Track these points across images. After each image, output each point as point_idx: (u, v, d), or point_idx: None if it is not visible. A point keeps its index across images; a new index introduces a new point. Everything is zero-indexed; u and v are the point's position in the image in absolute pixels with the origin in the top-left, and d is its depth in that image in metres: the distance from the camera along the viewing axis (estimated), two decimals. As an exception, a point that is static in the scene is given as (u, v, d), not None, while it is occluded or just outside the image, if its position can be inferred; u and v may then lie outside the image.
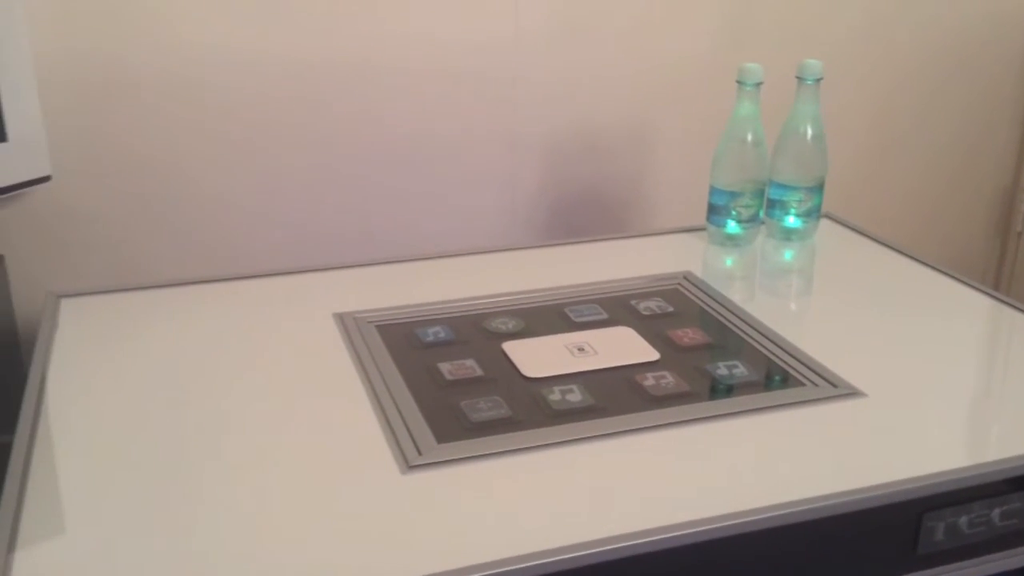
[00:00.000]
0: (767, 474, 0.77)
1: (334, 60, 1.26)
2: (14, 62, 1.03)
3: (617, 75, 1.41)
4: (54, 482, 0.74)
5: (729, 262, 1.19)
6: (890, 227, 1.47)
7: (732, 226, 1.19)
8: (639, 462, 0.78)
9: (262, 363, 0.92)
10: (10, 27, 1.02)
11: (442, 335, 0.98)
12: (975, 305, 1.07)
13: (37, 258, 1.22)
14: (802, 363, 0.92)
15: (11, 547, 0.67)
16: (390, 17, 1.27)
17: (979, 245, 1.76)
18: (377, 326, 0.99)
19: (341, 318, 1.00)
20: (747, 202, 1.18)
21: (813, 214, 1.21)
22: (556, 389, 0.87)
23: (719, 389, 0.89)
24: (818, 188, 1.20)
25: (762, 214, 1.21)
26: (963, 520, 0.77)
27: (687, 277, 1.12)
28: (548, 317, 1.02)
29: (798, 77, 1.17)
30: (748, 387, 0.89)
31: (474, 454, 0.78)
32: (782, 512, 0.71)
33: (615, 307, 1.04)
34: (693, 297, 1.07)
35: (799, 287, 1.17)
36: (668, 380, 0.89)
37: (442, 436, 0.80)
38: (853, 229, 1.27)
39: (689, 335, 0.98)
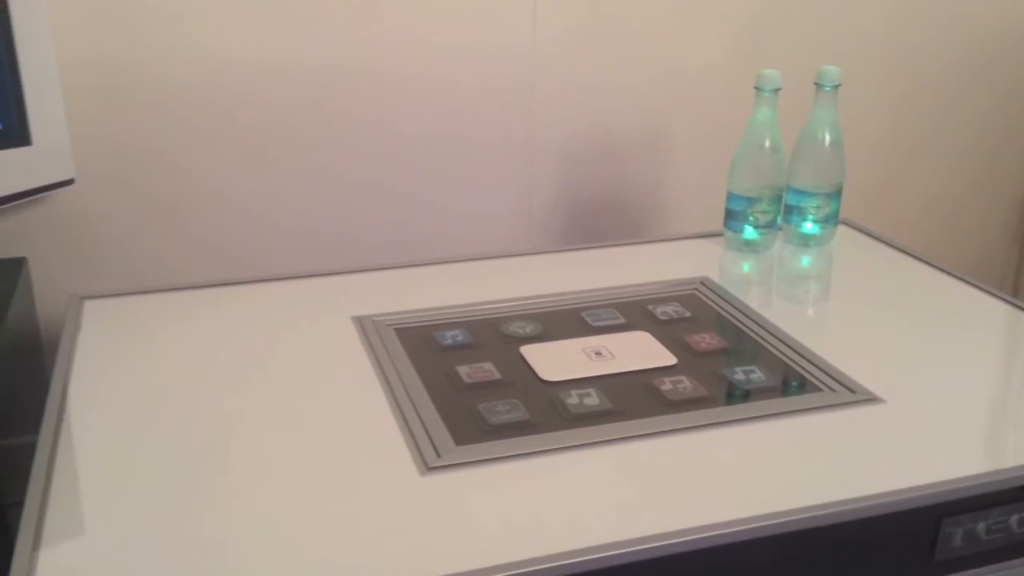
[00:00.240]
0: (784, 479, 0.77)
1: (352, 68, 1.27)
2: (40, 69, 1.04)
3: (634, 81, 1.41)
4: (76, 482, 0.75)
5: (746, 268, 1.19)
6: (908, 233, 1.47)
7: (749, 232, 1.19)
8: (656, 465, 0.78)
9: (282, 365, 0.93)
10: (36, 36, 1.03)
11: (460, 338, 0.98)
12: (993, 311, 1.07)
13: (58, 260, 1.23)
14: (819, 368, 0.92)
15: (35, 546, 0.67)
16: (408, 25, 1.28)
17: (997, 251, 1.76)
18: (396, 329, 1.00)
19: (360, 321, 1.01)
20: (764, 208, 1.18)
21: (830, 220, 1.21)
22: (573, 393, 0.88)
23: (736, 394, 0.90)
24: (836, 194, 1.20)
25: (779, 220, 1.21)
26: (981, 526, 0.77)
27: (704, 282, 1.12)
28: (565, 321, 1.02)
29: (816, 83, 1.17)
30: (765, 392, 0.89)
31: (492, 456, 0.78)
32: (799, 517, 0.71)
33: (632, 312, 1.05)
34: (710, 302, 1.08)
35: (816, 293, 1.17)
36: (685, 385, 0.90)
37: (460, 438, 0.80)
38: (870, 235, 1.27)
39: (706, 340, 0.98)
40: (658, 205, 1.49)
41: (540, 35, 1.34)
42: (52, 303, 1.20)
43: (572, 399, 0.87)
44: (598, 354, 0.95)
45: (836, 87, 1.17)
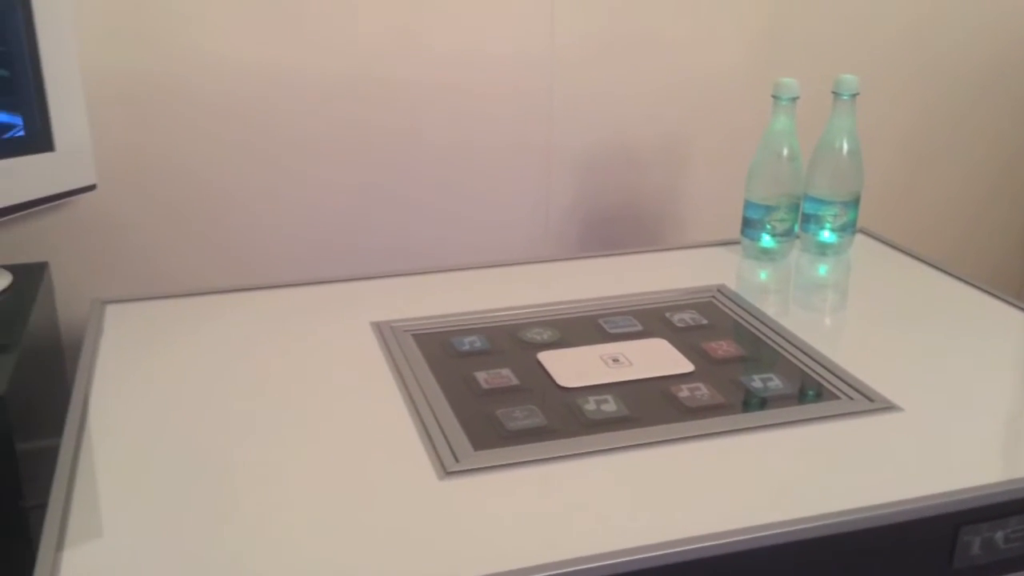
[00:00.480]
0: (802, 486, 0.77)
1: (372, 77, 1.28)
2: (63, 76, 1.05)
3: (652, 89, 1.41)
4: (98, 484, 0.76)
5: (763, 276, 1.19)
6: (926, 241, 1.47)
7: (767, 240, 1.19)
8: (673, 472, 0.78)
9: (300, 370, 0.94)
10: (60, 44, 1.04)
11: (478, 344, 0.99)
12: (1011, 320, 1.07)
13: (80, 265, 1.24)
14: (837, 376, 0.92)
15: (59, 546, 0.68)
16: (428, 34, 1.29)
17: (1015, 260, 1.75)
18: (414, 335, 1.00)
19: (378, 327, 1.01)
20: (782, 216, 1.18)
21: (848, 229, 1.21)
22: (591, 399, 0.88)
23: (753, 402, 0.90)
24: (853, 203, 1.20)
25: (797, 228, 1.21)
26: (999, 535, 0.77)
27: (721, 290, 1.12)
28: (583, 328, 1.03)
29: (834, 92, 1.17)
30: (782, 400, 0.89)
31: (510, 461, 0.78)
32: (816, 524, 0.71)
33: (649, 319, 1.05)
34: (727, 310, 1.08)
35: (834, 301, 1.17)
36: (702, 392, 0.90)
37: (479, 443, 0.81)
38: (888, 244, 1.27)
39: (723, 347, 0.99)
40: (675, 213, 1.49)
41: (558, 42, 1.35)
42: (74, 307, 1.21)
43: (589, 405, 0.87)
44: (615, 361, 0.95)
45: (854, 96, 1.17)
